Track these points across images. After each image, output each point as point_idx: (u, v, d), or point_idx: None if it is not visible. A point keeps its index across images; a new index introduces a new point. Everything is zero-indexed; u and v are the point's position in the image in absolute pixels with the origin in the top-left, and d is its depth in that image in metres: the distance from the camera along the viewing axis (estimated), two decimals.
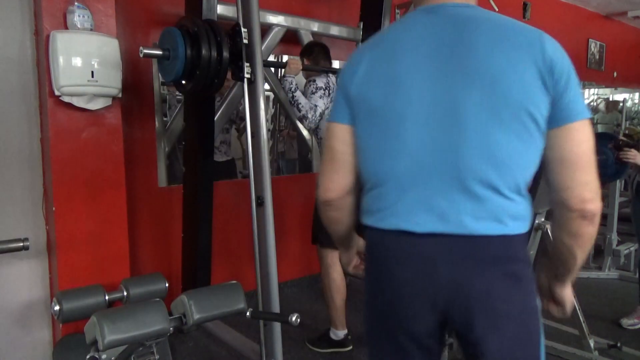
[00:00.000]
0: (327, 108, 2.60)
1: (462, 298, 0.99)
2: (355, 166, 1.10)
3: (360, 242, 1.29)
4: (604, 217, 4.08)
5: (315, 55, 2.77)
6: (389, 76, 1.02)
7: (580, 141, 0.96)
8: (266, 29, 3.02)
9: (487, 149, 0.96)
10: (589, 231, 0.98)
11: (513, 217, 0.99)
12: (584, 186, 0.96)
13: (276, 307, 2.09)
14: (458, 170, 0.97)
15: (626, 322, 3.06)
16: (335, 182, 1.11)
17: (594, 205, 0.96)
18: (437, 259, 0.99)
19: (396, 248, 1.03)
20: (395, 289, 1.04)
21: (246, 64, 2.09)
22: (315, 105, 2.53)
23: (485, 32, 0.98)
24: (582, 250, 1.01)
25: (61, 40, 2.00)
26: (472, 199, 0.97)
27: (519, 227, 1.00)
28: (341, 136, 1.09)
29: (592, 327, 2.40)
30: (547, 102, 0.95)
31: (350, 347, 2.72)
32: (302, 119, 2.54)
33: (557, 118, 0.96)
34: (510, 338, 1.00)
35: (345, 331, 2.72)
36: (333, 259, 2.67)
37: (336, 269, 2.67)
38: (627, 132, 4.96)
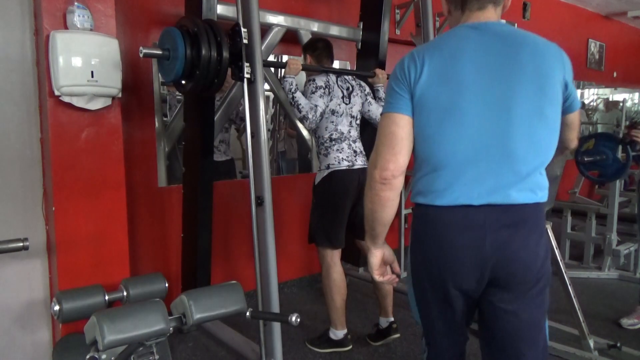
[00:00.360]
0: (328, 107, 2.60)
1: (506, 253, 1.26)
2: (410, 151, 1.32)
3: (387, 252, 1.45)
4: (604, 217, 4.09)
5: (319, 52, 2.74)
6: (454, 78, 1.26)
7: (578, 116, 1.42)
8: (266, 29, 3.02)
9: (530, 137, 1.25)
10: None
11: (541, 188, 1.30)
12: (577, 138, 1.48)
13: (276, 307, 2.09)
14: (508, 154, 1.25)
15: (626, 322, 3.06)
16: (394, 163, 1.29)
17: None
18: (486, 225, 1.25)
19: (454, 219, 1.28)
20: (452, 253, 1.29)
21: (246, 64, 2.09)
22: (316, 105, 2.52)
23: (526, 45, 1.28)
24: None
25: (61, 40, 2.00)
26: (516, 176, 1.26)
27: (544, 195, 1.31)
28: (403, 125, 1.30)
29: (592, 327, 2.40)
30: (563, 101, 1.32)
31: (350, 347, 2.72)
32: (303, 119, 2.52)
33: (570, 108, 1.36)
34: (538, 288, 1.32)
35: (345, 331, 2.71)
36: (333, 258, 2.66)
37: (336, 269, 2.66)
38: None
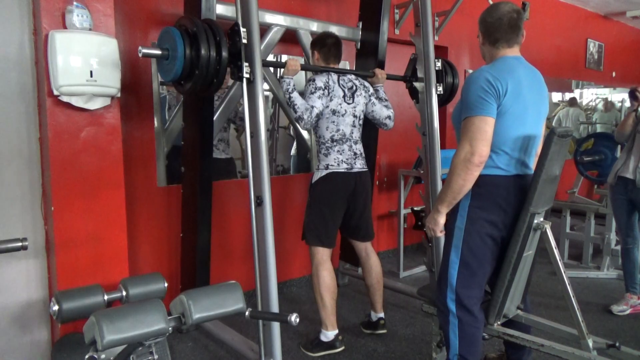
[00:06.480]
0: (328, 107, 2.60)
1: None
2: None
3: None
4: (603, 217, 4.09)
5: (327, 49, 2.69)
6: (522, 95, 1.88)
7: None
8: (265, 28, 3.02)
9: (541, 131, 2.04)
10: None
11: None
12: None
13: (275, 307, 2.09)
14: (536, 145, 2.00)
15: (616, 308, 3.21)
16: (487, 150, 1.83)
17: None
18: (516, 186, 1.96)
19: (512, 182, 1.94)
20: (511, 204, 1.94)
21: (245, 64, 2.09)
22: (312, 107, 2.50)
23: (538, 74, 2.01)
24: None
25: (60, 40, 2.00)
26: (531, 158, 2.00)
27: None
28: (491, 124, 1.84)
29: (591, 326, 2.40)
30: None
31: (342, 349, 2.66)
32: (298, 120, 2.50)
33: None
34: None
35: (336, 331, 2.65)
36: (323, 257, 2.64)
37: (326, 267, 2.62)
38: None
